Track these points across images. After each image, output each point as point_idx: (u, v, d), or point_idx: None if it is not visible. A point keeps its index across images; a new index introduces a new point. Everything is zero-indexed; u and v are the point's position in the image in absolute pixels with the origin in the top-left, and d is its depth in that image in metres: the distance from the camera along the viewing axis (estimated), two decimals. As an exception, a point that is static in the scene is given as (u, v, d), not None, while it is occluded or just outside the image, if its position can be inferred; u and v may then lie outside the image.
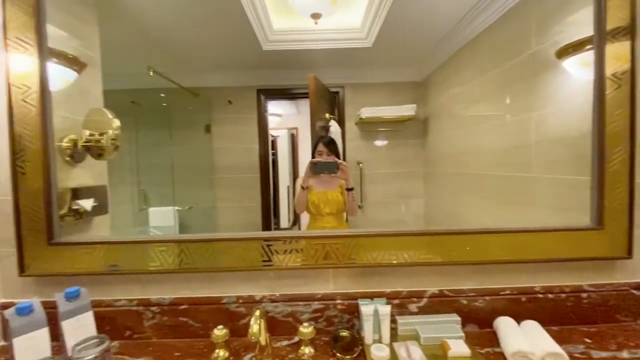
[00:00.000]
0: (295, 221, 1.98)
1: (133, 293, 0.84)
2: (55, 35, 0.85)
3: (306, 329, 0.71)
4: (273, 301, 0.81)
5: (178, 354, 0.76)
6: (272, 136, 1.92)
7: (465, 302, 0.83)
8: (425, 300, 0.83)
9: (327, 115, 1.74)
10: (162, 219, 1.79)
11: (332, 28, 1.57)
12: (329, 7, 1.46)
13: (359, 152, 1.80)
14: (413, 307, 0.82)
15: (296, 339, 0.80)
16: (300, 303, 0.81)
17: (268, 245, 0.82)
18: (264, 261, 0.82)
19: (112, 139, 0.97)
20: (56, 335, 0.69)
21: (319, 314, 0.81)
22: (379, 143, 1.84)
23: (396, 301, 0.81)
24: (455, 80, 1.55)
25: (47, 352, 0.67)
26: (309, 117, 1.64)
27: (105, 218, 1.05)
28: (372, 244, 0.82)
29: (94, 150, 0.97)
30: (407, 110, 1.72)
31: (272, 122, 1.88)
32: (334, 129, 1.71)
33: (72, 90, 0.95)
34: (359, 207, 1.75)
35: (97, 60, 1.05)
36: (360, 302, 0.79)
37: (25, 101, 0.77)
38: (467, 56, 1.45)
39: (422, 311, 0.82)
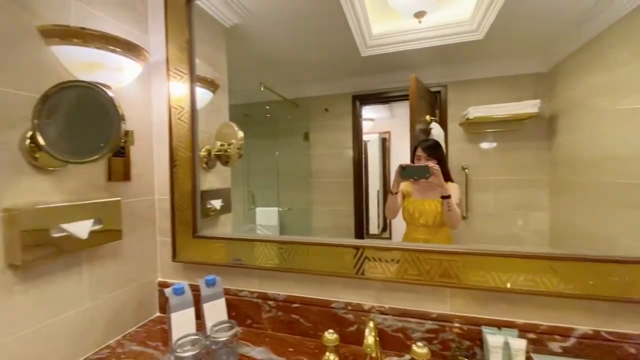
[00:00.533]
0: (385, 227, 1.92)
1: (253, 286, 0.94)
2: (197, 63, 1.02)
3: (421, 349, 0.66)
4: (382, 313, 0.79)
5: (292, 349, 0.81)
6: (363, 141, 1.92)
7: (633, 350, 0.64)
8: (572, 340, 0.67)
9: (427, 117, 1.63)
10: (266, 218, 1.98)
11: (436, 24, 1.47)
12: (434, 3, 1.37)
13: (464, 157, 1.62)
14: (555, 346, 0.68)
15: (407, 357, 0.75)
16: (412, 320, 0.76)
17: (378, 255, 0.80)
18: (370, 270, 0.80)
19: (238, 148, 1.11)
20: (198, 315, 0.82)
21: (433, 334, 0.75)
22: (488, 146, 1.62)
23: (531, 335, 0.69)
24: (598, 66, 1.24)
25: (193, 329, 0.80)
26: (404, 120, 1.57)
27: (228, 216, 1.21)
28: (498, 265, 0.71)
29: (223, 158, 1.14)
30: (529, 106, 1.46)
31: (364, 126, 1.88)
32: (436, 131, 1.59)
33: (208, 108, 1.13)
34: (464, 218, 1.57)
35: (225, 81, 1.23)
36: (484, 329, 0.69)
37: (180, 119, 0.95)
38: (617, 35, 1.14)
39: (569, 353, 0.67)
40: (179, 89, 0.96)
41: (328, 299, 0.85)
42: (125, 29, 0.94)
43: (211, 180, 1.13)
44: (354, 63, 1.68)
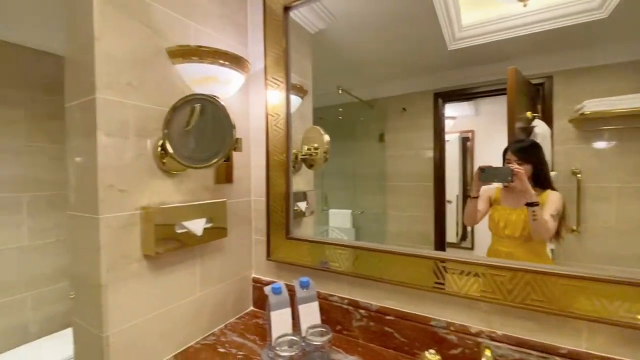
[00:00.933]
0: (465, 235, 1.75)
1: (343, 291, 0.93)
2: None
3: (551, 390, 0.57)
4: (493, 339, 0.70)
5: (387, 363, 0.78)
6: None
7: None
8: None
9: (528, 113, 1.42)
10: (339, 220, 1.97)
11: (545, 6, 1.27)
12: (544, -18, 1.18)
13: (575, 159, 1.35)
14: None
15: (528, 393, 0.66)
16: (533, 352, 0.66)
17: (489, 272, 0.71)
18: (478, 290, 0.72)
19: (324, 152, 1.12)
20: (293, 315, 0.84)
21: (562, 373, 0.64)
22: (606, 145, 1.34)
23: None
24: None
25: (289, 328, 0.82)
26: (491, 117, 1.39)
27: (311, 218, 1.24)
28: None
29: (308, 161, 1.16)
30: (674, 97, 1.16)
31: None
32: (540, 130, 1.37)
33: (297, 113, 1.17)
34: (573, 231, 1.33)
35: (310, 87, 1.25)
36: (639, 377, 0.56)
37: (276, 126, 1.00)
38: None
39: None
40: (275, 96, 1.01)
41: (426, 315, 0.79)
42: (229, 44, 1.02)
43: (297, 182, 1.16)
44: (439, 58, 1.55)
